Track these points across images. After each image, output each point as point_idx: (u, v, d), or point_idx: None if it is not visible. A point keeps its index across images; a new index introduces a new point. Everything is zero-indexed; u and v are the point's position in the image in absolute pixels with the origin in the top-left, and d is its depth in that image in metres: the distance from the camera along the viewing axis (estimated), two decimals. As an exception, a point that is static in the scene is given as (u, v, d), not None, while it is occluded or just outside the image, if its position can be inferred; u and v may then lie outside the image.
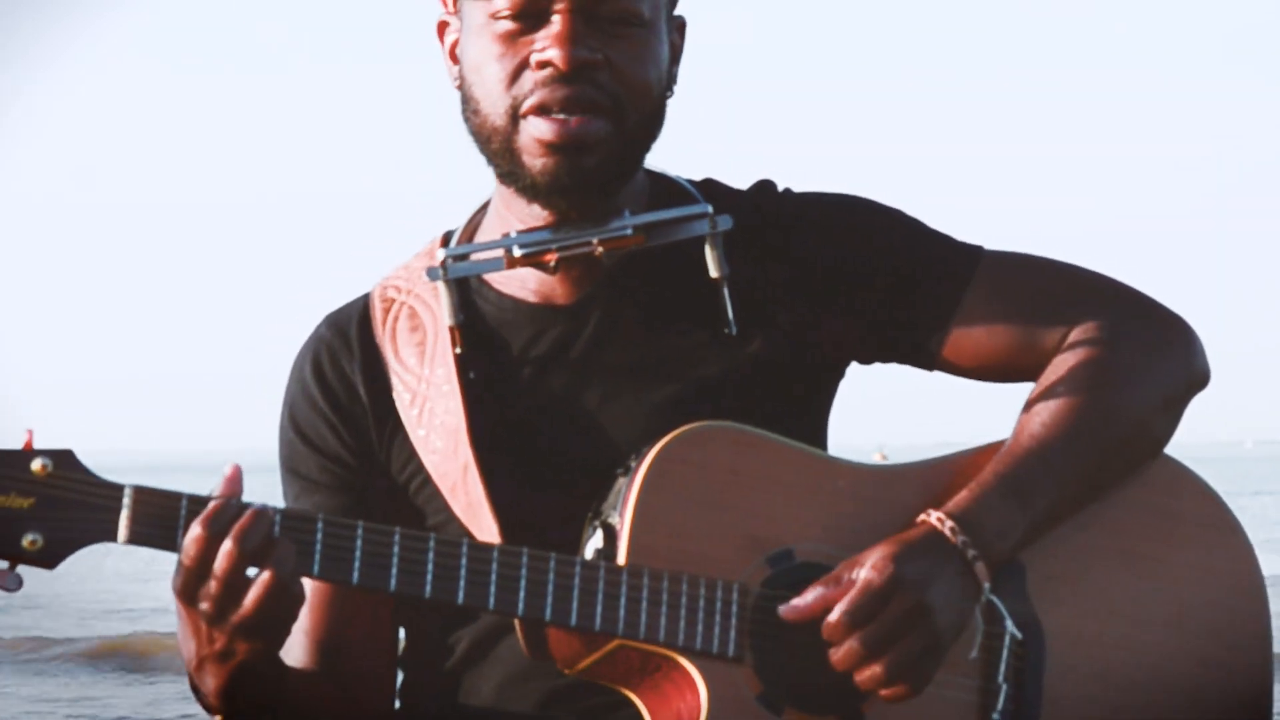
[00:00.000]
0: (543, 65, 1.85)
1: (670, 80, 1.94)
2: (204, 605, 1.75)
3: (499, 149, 1.89)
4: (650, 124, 1.92)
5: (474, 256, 1.93)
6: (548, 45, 1.84)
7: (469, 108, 1.91)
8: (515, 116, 1.87)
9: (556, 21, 1.84)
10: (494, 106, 1.87)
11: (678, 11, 1.97)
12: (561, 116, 1.85)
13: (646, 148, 1.94)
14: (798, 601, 1.83)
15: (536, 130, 1.86)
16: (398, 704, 2.06)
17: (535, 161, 1.87)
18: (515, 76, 1.86)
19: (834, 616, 1.81)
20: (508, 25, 1.86)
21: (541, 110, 1.85)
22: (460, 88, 1.93)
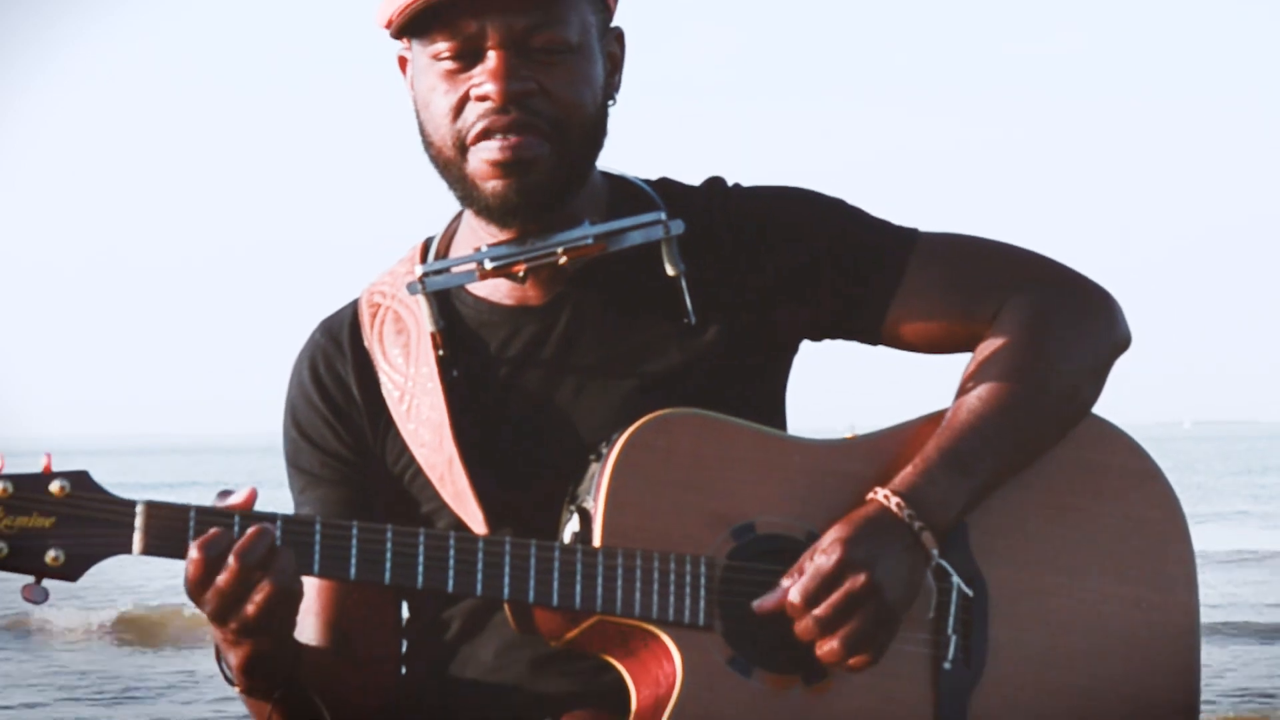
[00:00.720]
0: (482, 99, 1.99)
1: (610, 90, 2.08)
2: (209, 609, 1.90)
3: (454, 177, 2.04)
4: (590, 137, 2.06)
5: (451, 270, 2.08)
6: (484, 80, 1.99)
7: (424, 138, 2.06)
8: (463, 146, 2.01)
9: (491, 58, 1.98)
10: (443, 139, 2.03)
11: (615, 23, 2.09)
12: (501, 140, 1.99)
13: (591, 158, 2.08)
14: (763, 599, 1.98)
15: (484, 153, 2.00)
16: (403, 671, 2.19)
17: (486, 184, 2.02)
18: (459, 110, 2.01)
19: (793, 598, 1.96)
20: (448, 64, 2.00)
21: (485, 134, 1.99)
22: (417, 118, 2.06)
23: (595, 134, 2.06)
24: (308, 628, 2.11)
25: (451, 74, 2.01)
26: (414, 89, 2.07)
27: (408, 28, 2.02)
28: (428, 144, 2.05)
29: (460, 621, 2.13)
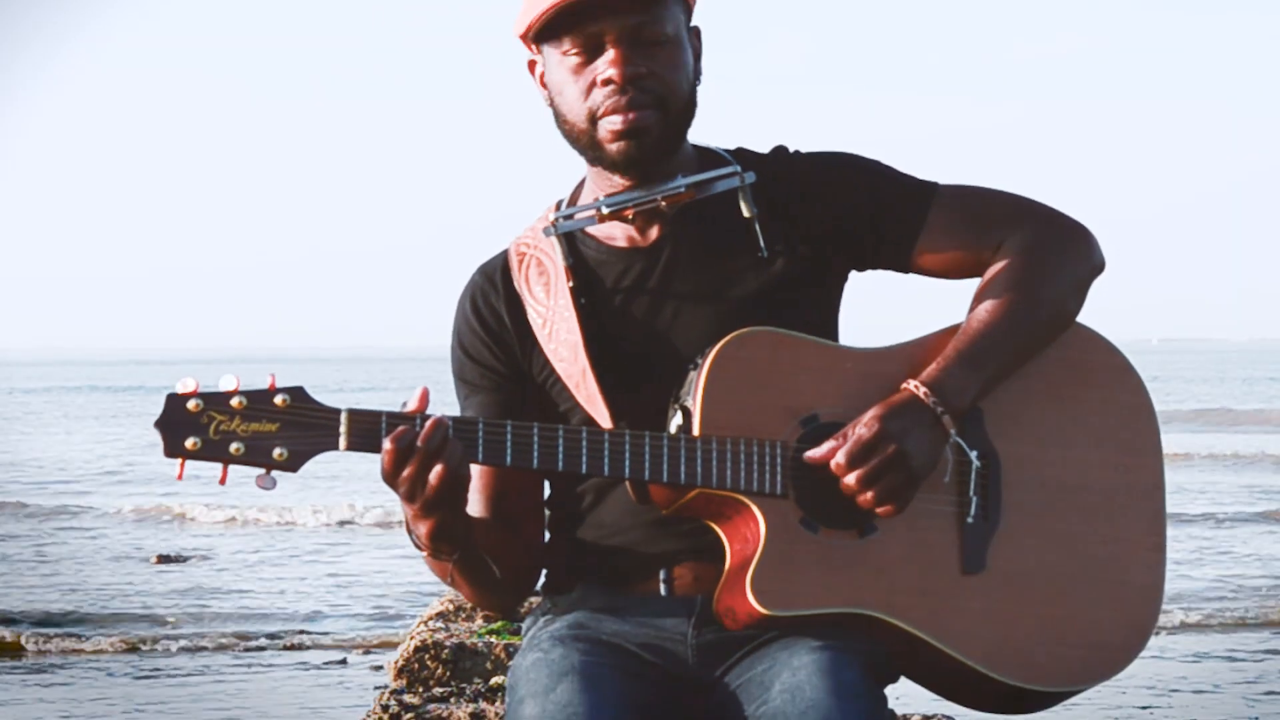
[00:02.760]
0: (606, 82, 2.54)
1: (696, 74, 2.59)
2: (401, 490, 2.38)
3: (586, 143, 2.58)
4: (686, 108, 2.58)
5: (576, 216, 2.62)
6: (607, 68, 2.52)
7: (558, 119, 2.60)
8: (594, 119, 2.56)
9: (611, 51, 2.52)
10: (576, 115, 2.57)
11: (695, 23, 2.63)
12: (624, 114, 2.54)
13: (687, 125, 2.59)
14: (814, 451, 2.48)
15: (609, 125, 2.55)
16: (547, 536, 2.70)
17: (612, 147, 2.56)
18: (588, 92, 2.55)
19: (839, 459, 2.46)
20: (576, 59, 2.55)
21: (611, 111, 2.54)
22: (550, 105, 2.61)
23: (690, 106, 2.58)
24: (475, 504, 2.61)
25: (579, 66, 2.55)
26: (545, 84, 2.61)
27: (540, 35, 2.57)
28: (562, 121, 2.59)
29: (590, 495, 2.62)
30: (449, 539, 2.47)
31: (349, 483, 19.54)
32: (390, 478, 2.38)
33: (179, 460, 2.33)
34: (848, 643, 2.47)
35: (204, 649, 9.24)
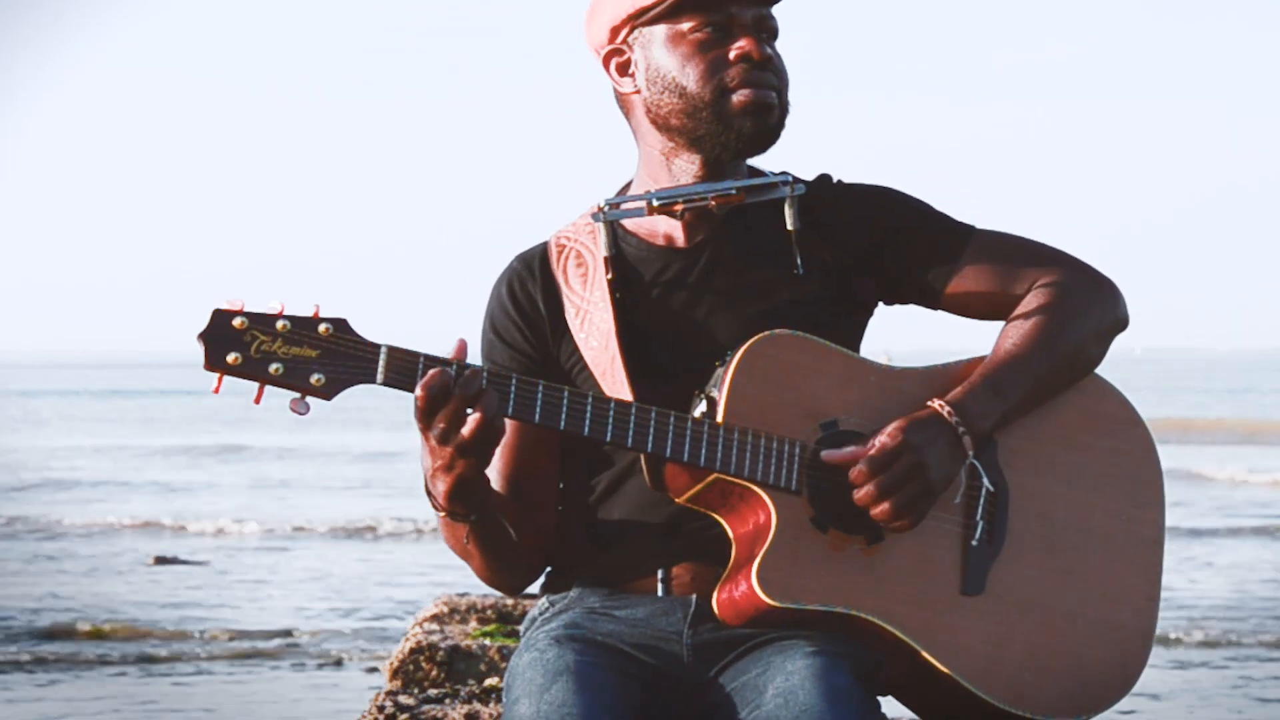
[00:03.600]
0: (741, 58, 2.62)
1: None
2: (434, 433, 2.40)
3: (708, 116, 2.63)
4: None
5: (624, 206, 2.69)
6: (745, 46, 2.62)
7: (669, 95, 2.65)
8: (724, 92, 2.62)
9: (742, 33, 2.62)
10: (702, 88, 2.63)
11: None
12: (759, 89, 2.62)
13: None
14: (835, 452, 2.53)
15: (742, 96, 2.62)
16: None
17: (742, 118, 2.63)
18: (719, 66, 2.63)
19: (860, 467, 2.52)
20: (701, 35, 2.64)
21: (744, 84, 2.62)
22: (648, 88, 2.66)
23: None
24: (493, 478, 2.63)
25: (705, 43, 2.64)
26: (649, 65, 2.67)
27: (660, 15, 2.64)
28: (678, 97, 2.64)
29: (603, 486, 2.67)
30: (468, 498, 2.50)
31: (356, 495, 19.59)
32: (425, 417, 2.41)
33: (218, 374, 2.36)
34: (841, 649, 2.52)
35: (198, 657, 9.27)
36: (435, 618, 5.01)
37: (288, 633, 10.01)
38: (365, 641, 9.66)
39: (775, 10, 2.69)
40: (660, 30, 2.67)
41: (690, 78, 2.65)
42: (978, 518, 2.62)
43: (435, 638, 4.69)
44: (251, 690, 8.19)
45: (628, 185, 2.78)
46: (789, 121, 2.67)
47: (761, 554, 2.50)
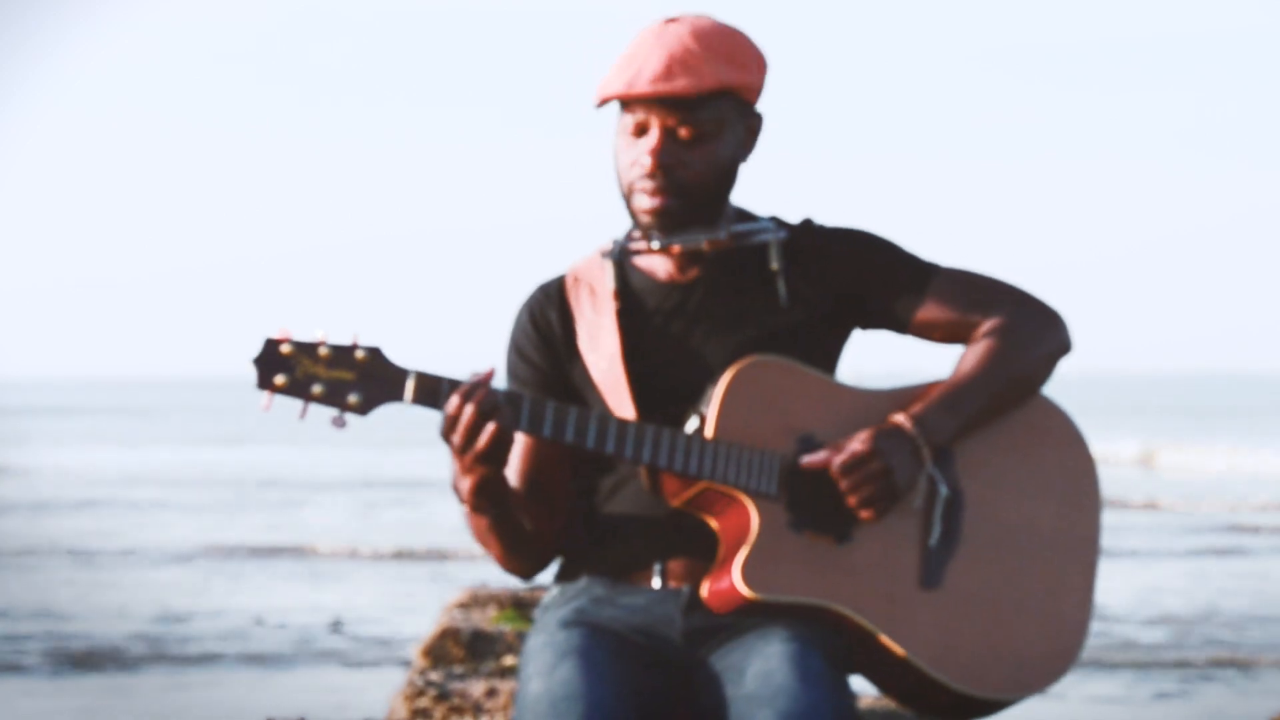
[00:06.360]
0: (642, 164, 2.86)
1: (740, 156, 2.91)
2: (455, 443, 2.69)
3: (626, 204, 2.91)
4: (715, 193, 2.89)
5: (630, 246, 2.99)
6: (644, 154, 2.86)
7: (616, 174, 2.91)
8: (630, 189, 2.88)
9: (653, 136, 2.85)
10: (620, 180, 2.90)
11: (760, 108, 2.91)
12: (650, 196, 2.87)
13: (717, 202, 2.90)
14: (811, 456, 2.80)
15: (638, 201, 2.88)
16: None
17: (642, 215, 2.89)
18: (628, 167, 2.88)
19: (835, 464, 2.79)
20: (629, 130, 2.87)
21: (639, 190, 2.87)
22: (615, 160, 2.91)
23: (720, 190, 2.90)
24: (511, 477, 2.88)
25: (631, 141, 2.88)
26: (615, 139, 2.91)
27: (619, 102, 2.93)
28: (616, 175, 2.91)
29: (607, 487, 2.92)
30: (489, 495, 2.79)
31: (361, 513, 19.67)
32: (447, 432, 2.72)
33: (268, 393, 2.66)
34: (814, 635, 2.78)
35: (222, 655, 9.26)
36: (461, 605, 5.48)
37: (316, 631, 10.11)
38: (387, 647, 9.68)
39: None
40: (620, 115, 2.91)
41: (619, 165, 2.91)
42: (935, 520, 2.88)
43: (460, 623, 5.16)
44: (278, 682, 8.39)
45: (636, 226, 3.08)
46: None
47: (744, 552, 2.77)
